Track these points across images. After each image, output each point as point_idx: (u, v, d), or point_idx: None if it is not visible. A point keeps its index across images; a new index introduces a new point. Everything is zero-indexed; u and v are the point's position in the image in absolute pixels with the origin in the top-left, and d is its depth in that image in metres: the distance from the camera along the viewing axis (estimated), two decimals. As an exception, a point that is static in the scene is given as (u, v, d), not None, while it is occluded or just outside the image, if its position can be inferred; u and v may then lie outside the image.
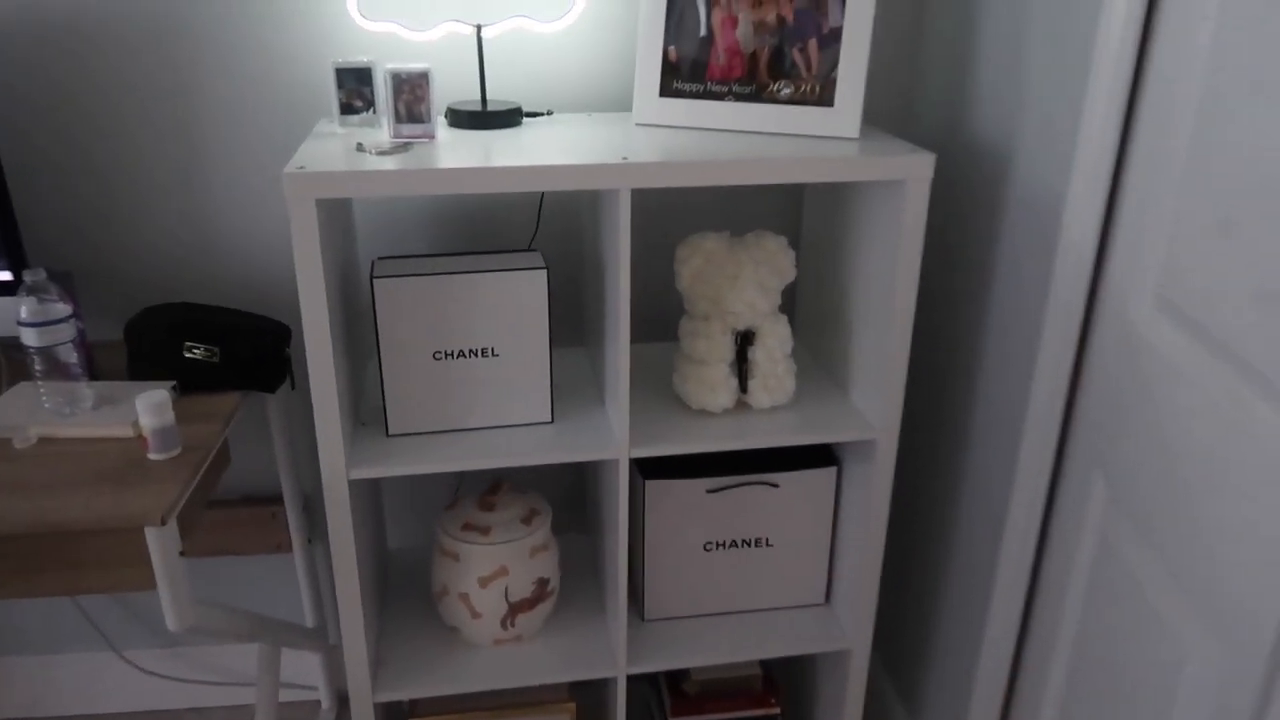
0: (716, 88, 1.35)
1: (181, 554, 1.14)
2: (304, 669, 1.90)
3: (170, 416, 1.17)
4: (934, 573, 1.61)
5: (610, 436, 1.33)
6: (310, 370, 1.17)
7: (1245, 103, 0.89)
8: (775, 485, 1.48)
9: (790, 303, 1.70)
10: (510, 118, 1.37)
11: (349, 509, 1.25)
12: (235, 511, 1.70)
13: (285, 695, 1.91)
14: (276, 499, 1.71)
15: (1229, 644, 0.92)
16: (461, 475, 1.75)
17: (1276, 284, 0.85)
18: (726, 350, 1.37)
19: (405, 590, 1.60)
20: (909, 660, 1.74)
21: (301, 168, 1.10)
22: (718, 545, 1.51)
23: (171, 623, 1.15)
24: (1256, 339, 0.88)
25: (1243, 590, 0.90)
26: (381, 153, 1.19)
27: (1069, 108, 1.16)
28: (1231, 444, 0.91)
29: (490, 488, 1.48)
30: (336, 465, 1.23)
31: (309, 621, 1.78)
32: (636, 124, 1.39)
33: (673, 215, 1.63)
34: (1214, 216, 0.94)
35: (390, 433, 1.31)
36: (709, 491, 1.47)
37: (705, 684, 1.63)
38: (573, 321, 1.67)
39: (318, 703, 1.92)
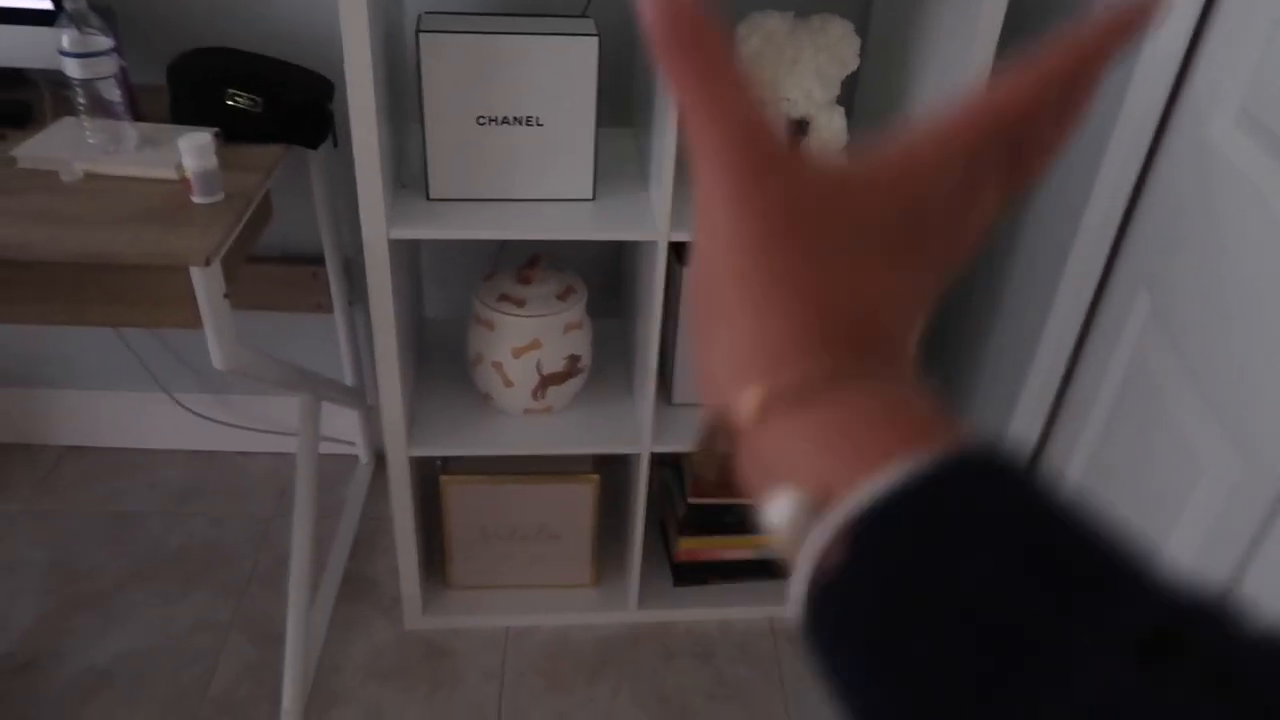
0: None
1: (225, 298, 1.17)
2: (343, 425, 1.98)
3: (213, 160, 1.16)
4: (967, 376, 1.62)
5: (651, 217, 1.31)
6: (353, 127, 1.15)
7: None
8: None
9: (850, 95, 1.63)
10: None
11: (389, 269, 1.26)
12: (277, 269, 1.73)
13: (325, 449, 2.00)
14: (318, 259, 1.73)
15: (1248, 463, 0.92)
16: (500, 247, 1.75)
17: (1375, 97, 0.79)
18: (778, 139, 1.32)
19: (441, 358, 1.64)
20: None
21: (347, -97, 1.04)
22: (749, 337, 1.52)
23: (217, 361, 1.19)
24: (1341, 156, 0.83)
25: (1266, 413, 0.89)
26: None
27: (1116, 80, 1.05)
28: (1291, 266, 0.88)
29: (528, 262, 1.48)
30: (377, 224, 1.23)
31: (349, 381, 1.84)
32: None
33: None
34: (1321, 20, 0.87)
35: (431, 196, 1.30)
36: (746, 283, 1.46)
37: (726, 469, 1.69)
38: (622, 99, 1.62)
39: (355, 458, 2.02)
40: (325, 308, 1.77)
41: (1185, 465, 1.03)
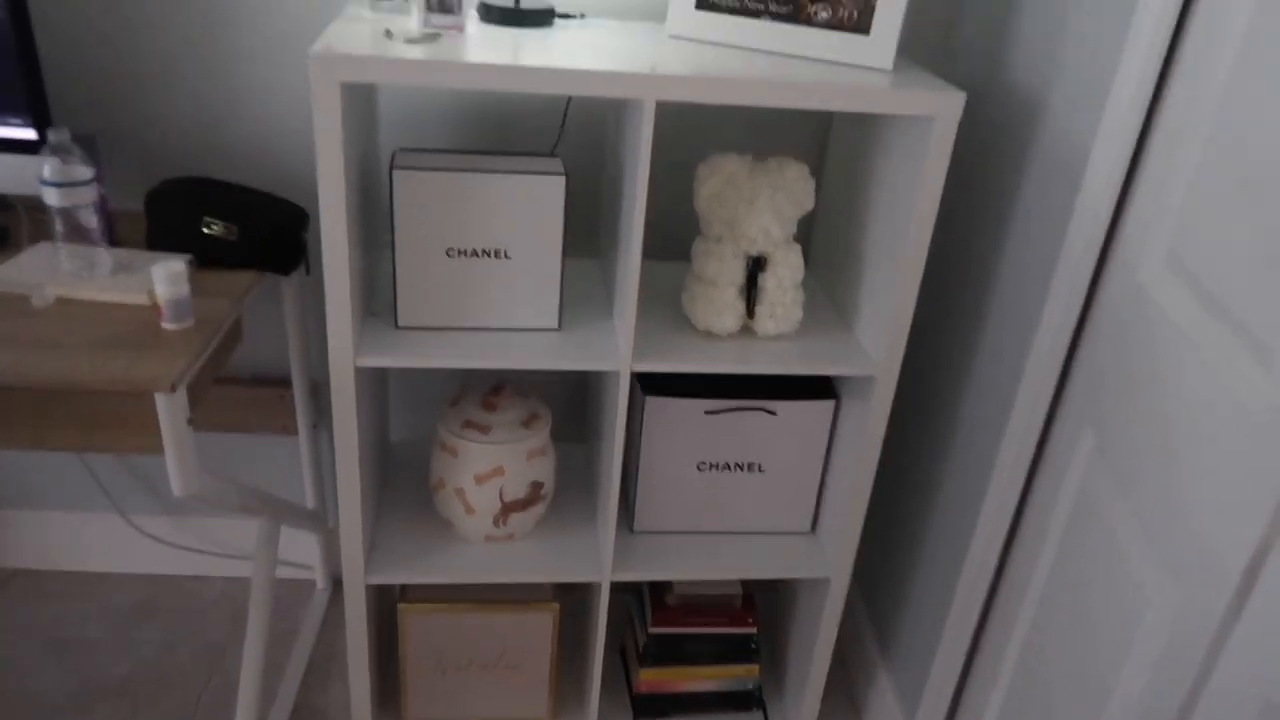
0: (753, 4, 1.33)
1: (189, 423, 1.17)
2: (302, 550, 1.96)
3: (185, 288, 1.19)
4: (920, 510, 1.64)
5: (614, 348, 1.35)
6: (324, 255, 1.19)
7: (1278, 68, 0.88)
8: (773, 413, 1.50)
9: (807, 232, 1.70)
10: (542, 17, 1.36)
11: (354, 395, 1.28)
12: (244, 390, 1.74)
13: (282, 573, 1.97)
14: (286, 381, 1.74)
15: (1191, 594, 0.94)
16: (467, 373, 1.77)
17: (1287, 250, 0.85)
18: (737, 274, 1.37)
19: (404, 482, 1.64)
20: (886, 592, 1.78)
21: (328, 49, 1.10)
22: (711, 466, 1.53)
23: (176, 488, 1.18)
24: (1260, 305, 0.88)
25: (1209, 545, 0.91)
26: (410, 40, 1.19)
27: (1105, 62, 1.14)
28: (1220, 407, 0.92)
29: (493, 389, 1.50)
30: (344, 351, 1.25)
31: (309, 504, 1.83)
32: (669, 35, 1.37)
33: (698, 134, 1.62)
34: (1234, 178, 0.93)
35: (399, 324, 1.33)
36: (707, 413, 1.49)
37: (687, 598, 1.68)
38: (590, 232, 1.68)
39: (313, 583, 1.99)
40: (290, 430, 1.77)
41: (1133, 597, 1.04)
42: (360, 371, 1.29)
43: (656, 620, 1.66)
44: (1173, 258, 1.04)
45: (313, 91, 1.09)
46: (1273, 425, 0.85)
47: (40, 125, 1.36)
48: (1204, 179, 0.99)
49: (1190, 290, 1.00)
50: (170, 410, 1.13)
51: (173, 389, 1.09)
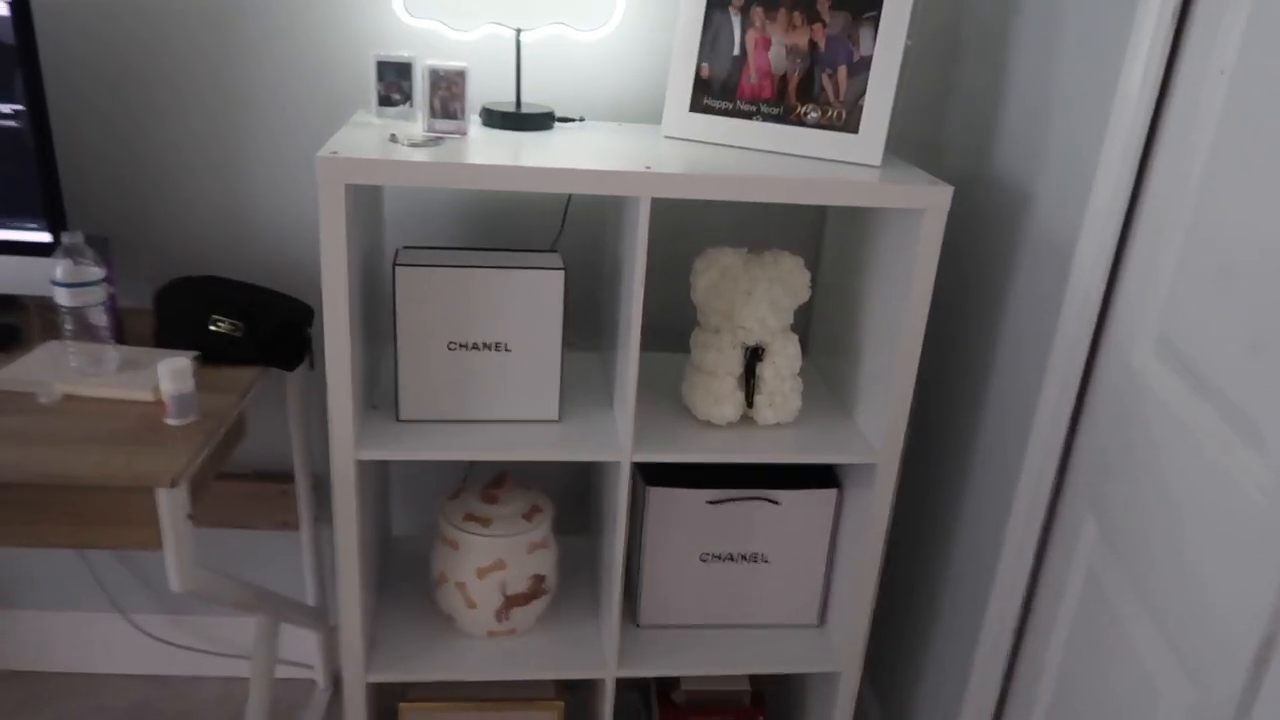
0: (746, 106, 1.38)
1: (190, 518, 1.18)
2: (303, 648, 1.93)
3: (190, 384, 1.21)
4: (928, 602, 1.62)
5: (614, 439, 1.35)
6: (326, 350, 1.21)
7: (1251, 157, 0.91)
8: (776, 502, 1.50)
9: (806, 323, 1.72)
10: (542, 121, 1.41)
11: (355, 488, 1.28)
12: (247, 485, 1.74)
13: (283, 673, 1.94)
14: (288, 476, 1.74)
15: (1201, 687, 0.92)
16: (469, 467, 1.78)
17: (1269, 333, 0.86)
18: (735, 364, 1.39)
19: (406, 577, 1.63)
20: (898, 686, 1.74)
21: (334, 153, 1.14)
22: (715, 557, 1.52)
23: (175, 584, 1.18)
24: (1248, 387, 0.89)
25: (1217, 635, 0.90)
26: (414, 144, 1.23)
27: (1087, 153, 1.17)
28: (1218, 491, 0.92)
29: (494, 481, 1.50)
30: (345, 444, 1.26)
31: (311, 600, 1.81)
32: (665, 136, 1.42)
33: (697, 229, 1.66)
34: (1215, 265, 0.95)
35: (401, 418, 1.34)
36: (710, 503, 1.48)
37: (694, 694, 1.64)
38: (591, 326, 1.70)
39: (314, 682, 1.95)
40: (292, 525, 1.77)
41: (1143, 689, 1.02)
42: (361, 465, 1.30)
43: (663, 717, 1.62)
44: (1163, 342, 1.05)
45: (319, 192, 1.13)
46: (1270, 508, 0.84)
47: (55, 229, 1.40)
48: (1187, 265, 1.00)
49: (1181, 375, 1.01)
50: (171, 505, 1.13)
51: (173, 484, 1.10)
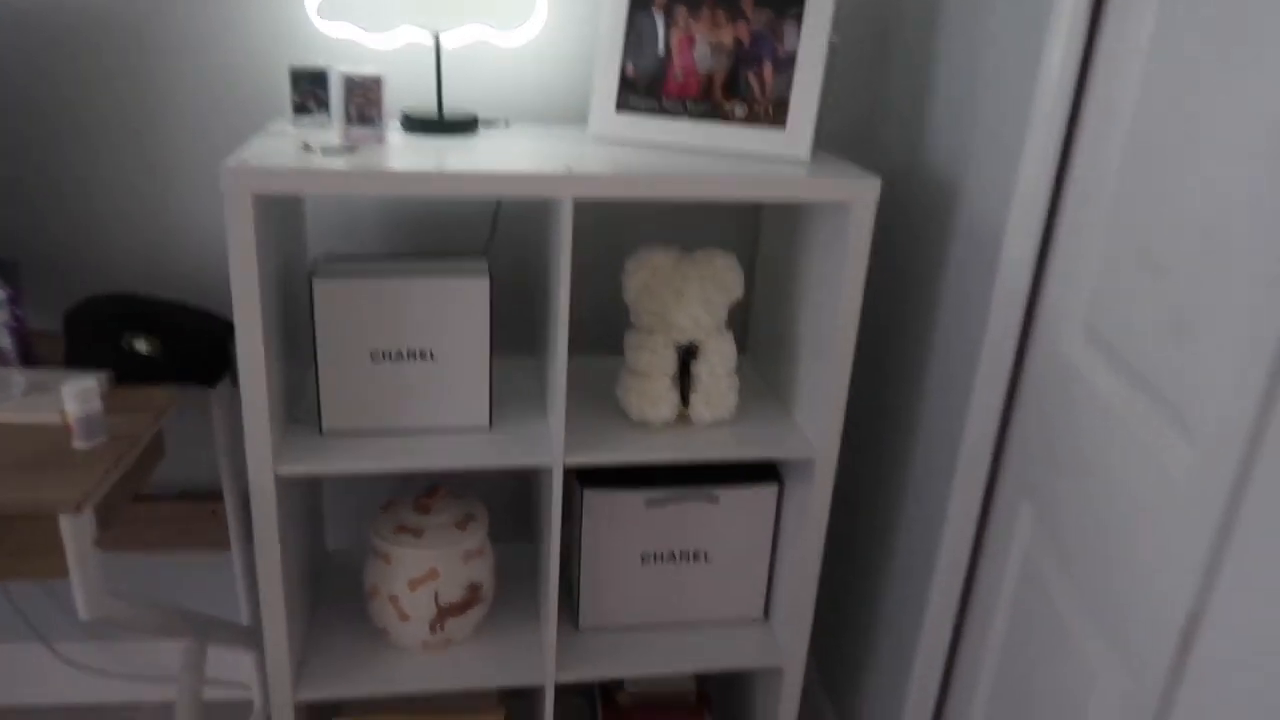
0: (672, 105, 1.36)
1: (96, 543, 1.13)
2: (241, 668, 1.88)
3: (96, 404, 1.16)
4: (872, 593, 1.62)
5: (547, 444, 1.33)
6: (240, 365, 1.17)
7: (1168, 144, 0.91)
8: (715, 500, 1.48)
9: (744, 321, 1.71)
10: (465, 125, 1.37)
11: (275, 505, 1.24)
12: (174, 507, 1.69)
13: (220, 693, 1.88)
14: (217, 495, 1.69)
15: (1130, 667, 0.92)
16: (405, 478, 1.74)
17: (1190, 317, 0.86)
18: (669, 364, 1.37)
19: (341, 591, 1.59)
20: (845, 676, 1.74)
21: (243, 162, 1.09)
22: (655, 557, 1.51)
23: (83, 612, 1.13)
24: (1171, 372, 0.89)
25: (1145, 617, 0.90)
26: (328, 152, 1.19)
27: (1011, 144, 1.18)
28: (1146, 475, 0.92)
29: (427, 491, 1.47)
30: (263, 460, 1.22)
31: (245, 620, 1.76)
32: (592, 137, 1.39)
33: (629, 229, 1.64)
34: (1136, 252, 0.95)
35: (324, 430, 1.30)
36: (648, 504, 1.47)
37: (639, 695, 1.63)
38: (526, 330, 1.67)
39: (251, 703, 1.90)
40: (223, 545, 1.71)
41: (1080, 674, 1.03)
42: (284, 480, 1.26)
43: (608, 723, 1.61)
44: (1090, 330, 1.05)
45: (225, 203, 1.09)
46: (1194, 490, 0.85)
47: (-47, 245, 1.34)
48: (1110, 252, 1.01)
49: (1108, 361, 1.01)
50: (74, 532, 1.08)
51: (78, 509, 1.05)
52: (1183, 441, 0.87)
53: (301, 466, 1.24)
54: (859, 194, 1.22)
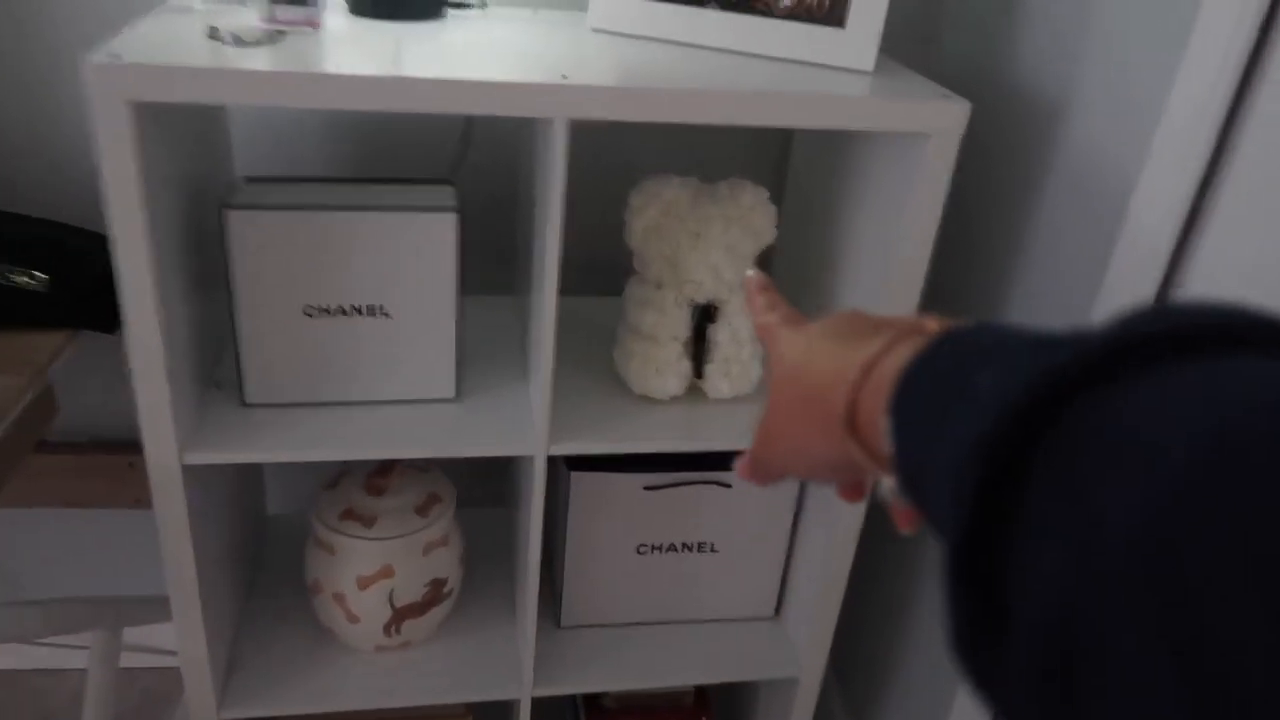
0: (697, -10, 1.05)
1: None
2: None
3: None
4: (903, 585, 1.39)
5: (527, 426, 1.07)
6: (127, 326, 0.89)
7: None
8: (728, 485, 1.24)
9: (764, 270, 1.42)
10: (427, 7, 1.07)
11: (185, 506, 0.98)
12: (85, 459, 1.43)
13: (152, 661, 1.67)
14: (134, 445, 1.43)
15: None
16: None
17: None
18: (681, 326, 1.10)
19: (281, 570, 1.34)
20: (866, 678, 1.53)
21: (116, 57, 0.79)
22: (653, 549, 1.27)
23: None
24: None
25: None
26: (242, 43, 0.89)
27: (1159, 62, 0.88)
28: None
29: (380, 468, 1.21)
30: (165, 446, 0.96)
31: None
32: (592, 29, 1.09)
33: (634, 148, 1.34)
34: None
35: (247, 401, 1.04)
36: (647, 488, 1.22)
37: (627, 698, 1.41)
38: (503, 262, 1.38)
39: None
40: (144, 503, 1.46)
41: None
42: (191, 471, 1.00)
43: (592, 726, 1.39)
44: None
45: (93, 113, 0.79)
46: None
47: None
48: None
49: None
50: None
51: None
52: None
53: (218, 453, 0.98)
54: (941, 122, 0.93)
